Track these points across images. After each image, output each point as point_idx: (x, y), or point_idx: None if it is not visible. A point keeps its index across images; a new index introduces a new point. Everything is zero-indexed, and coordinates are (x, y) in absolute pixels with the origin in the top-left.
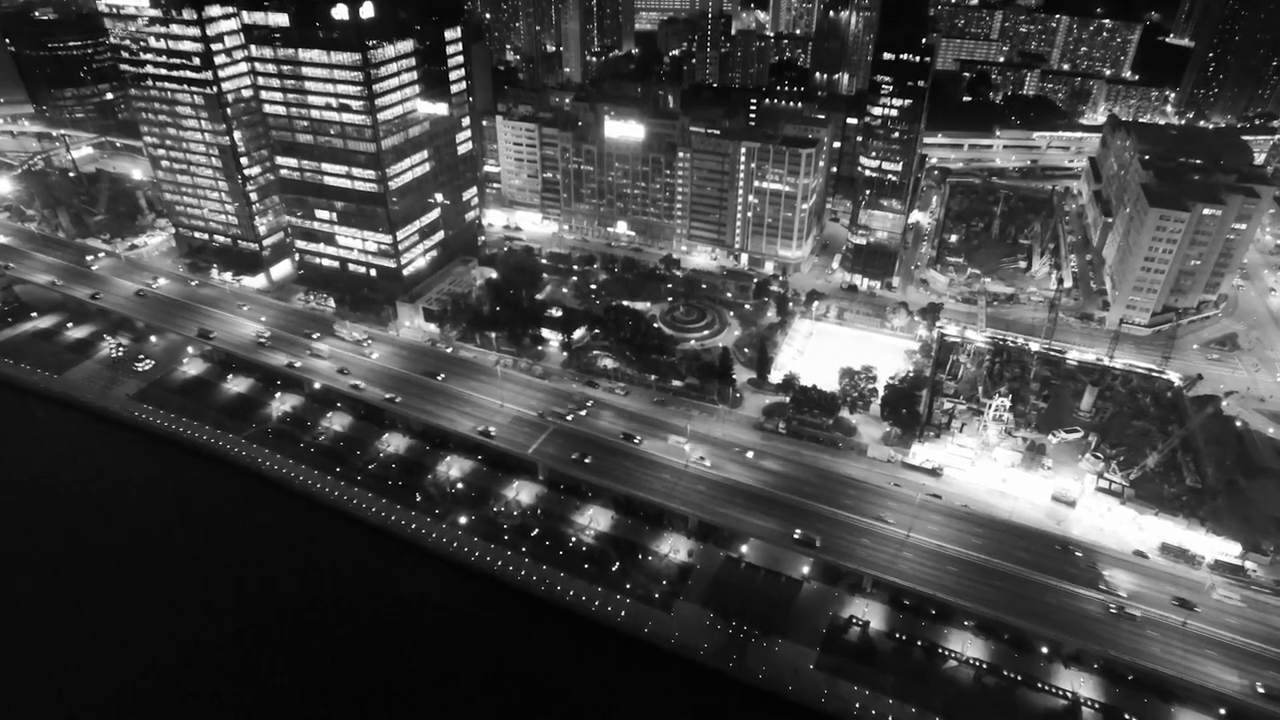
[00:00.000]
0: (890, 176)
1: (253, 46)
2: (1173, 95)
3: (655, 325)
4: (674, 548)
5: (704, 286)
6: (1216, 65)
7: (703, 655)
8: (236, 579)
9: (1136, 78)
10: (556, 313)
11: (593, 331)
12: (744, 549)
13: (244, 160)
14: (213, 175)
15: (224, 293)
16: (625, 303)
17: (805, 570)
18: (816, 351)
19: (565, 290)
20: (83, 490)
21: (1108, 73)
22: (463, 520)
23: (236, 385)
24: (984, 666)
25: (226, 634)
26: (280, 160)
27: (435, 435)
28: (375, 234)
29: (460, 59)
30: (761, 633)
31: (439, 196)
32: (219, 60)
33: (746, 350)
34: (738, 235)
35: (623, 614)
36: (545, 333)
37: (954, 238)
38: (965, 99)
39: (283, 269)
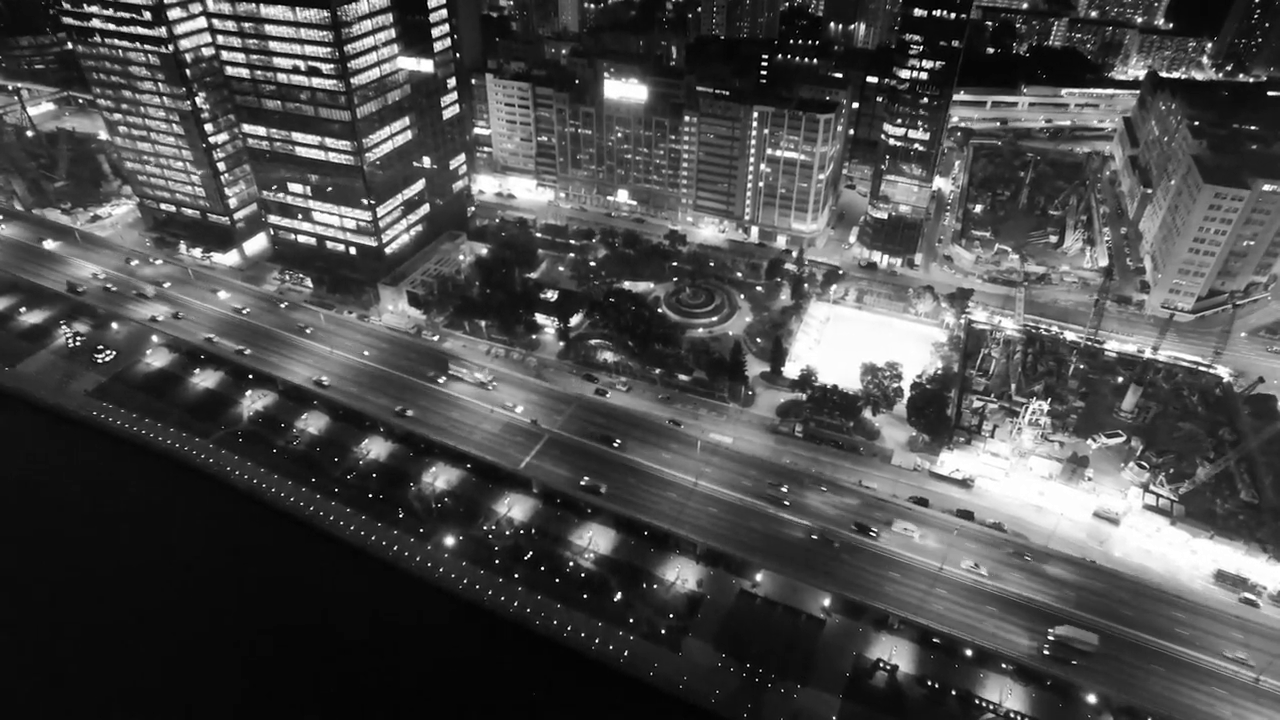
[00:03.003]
0: (916, 145)
1: (209, 0)
2: (1210, 46)
3: (659, 310)
4: (681, 575)
5: (711, 264)
6: (1261, 12)
7: (714, 703)
8: (198, 602)
9: (1170, 26)
10: (552, 296)
11: (592, 317)
12: (758, 577)
13: (209, 127)
14: (175, 143)
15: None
16: (627, 284)
17: (825, 603)
18: (834, 339)
19: (562, 269)
20: (35, 497)
21: (1139, 20)
22: (449, 541)
23: (204, 380)
24: None
25: (169, 665)
26: (247, 129)
27: (419, 441)
28: (353, 210)
29: (444, 10)
30: (778, 677)
31: (427, 161)
32: (173, 15)
33: (759, 340)
34: (748, 206)
35: (626, 654)
36: (540, 319)
37: (979, 208)
38: (988, 50)
39: (258, 244)
